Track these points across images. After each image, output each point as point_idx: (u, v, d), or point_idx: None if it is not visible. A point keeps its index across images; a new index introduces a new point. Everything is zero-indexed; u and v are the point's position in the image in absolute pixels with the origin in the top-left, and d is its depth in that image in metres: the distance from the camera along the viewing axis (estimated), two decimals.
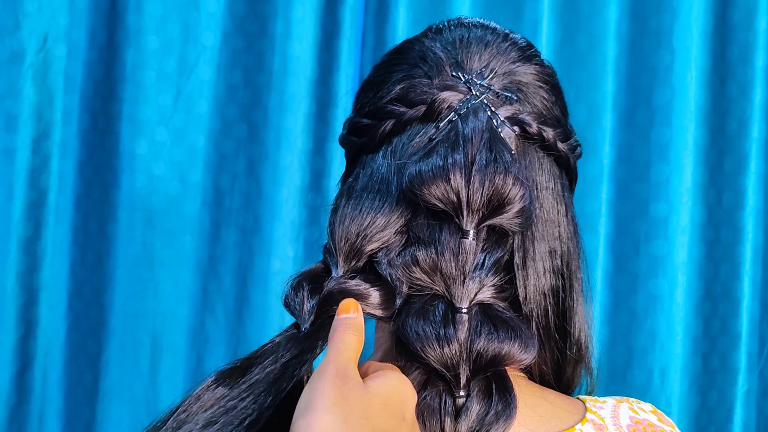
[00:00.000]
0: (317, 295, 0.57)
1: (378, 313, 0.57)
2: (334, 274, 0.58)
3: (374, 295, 0.57)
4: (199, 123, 1.21)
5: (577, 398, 0.63)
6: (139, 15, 1.18)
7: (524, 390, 0.59)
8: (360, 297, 0.57)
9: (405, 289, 0.57)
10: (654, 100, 1.15)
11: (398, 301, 0.57)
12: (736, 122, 1.15)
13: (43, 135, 1.19)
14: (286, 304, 0.59)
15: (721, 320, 1.14)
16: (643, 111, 1.16)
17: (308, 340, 0.56)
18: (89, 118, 1.21)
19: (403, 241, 0.58)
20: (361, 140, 0.64)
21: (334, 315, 0.56)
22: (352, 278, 0.58)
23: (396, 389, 0.51)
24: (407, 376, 0.54)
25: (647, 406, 0.63)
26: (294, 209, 1.19)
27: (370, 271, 0.59)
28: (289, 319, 1.20)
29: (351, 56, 1.19)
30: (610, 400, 0.62)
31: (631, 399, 0.63)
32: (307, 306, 0.57)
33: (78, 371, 1.22)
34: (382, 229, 0.58)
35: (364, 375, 0.52)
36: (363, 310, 0.57)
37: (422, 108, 0.60)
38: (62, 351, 1.22)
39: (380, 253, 0.58)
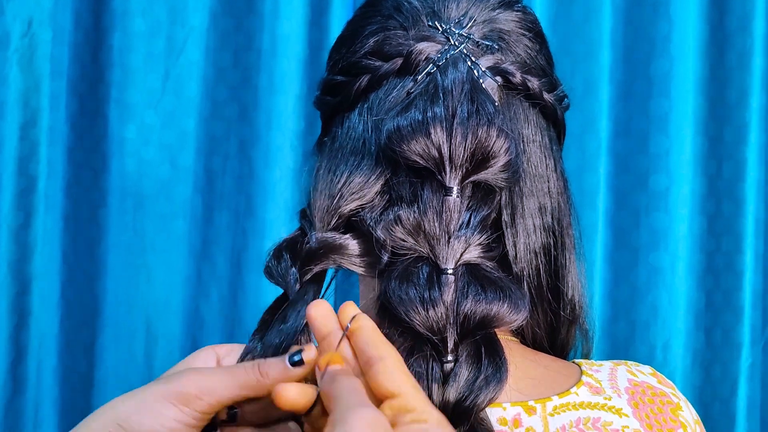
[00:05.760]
0: (298, 260, 0.55)
1: (358, 267, 0.55)
2: (310, 235, 0.56)
3: (352, 245, 0.55)
4: (189, 105, 1.19)
5: (573, 362, 0.61)
6: None
7: (516, 354, 0.57)
8: (338, 248, 0.55)
9: (389, 245, 0.54)
10: (652, 71, 1.13)
11: (384, 257, 0.54)
12: (735, 92, 1.12)
13: (31, 122, 1.17)
14: (269, 274, 0.57)
15: (723, 294, 1.11)
16: (641, 82, 1.14)
17: (296, 305, 0.54)
18: (77, 102, 1.19)
19: (384, 201, 0.56)
20: (335, 99, 0.61)
21: (318, 273, 0.54)
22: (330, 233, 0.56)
23: None
24: (393, 343, 0.53)
25: (646, 369, 0.61)
26: (287, 190, 1.16)
27: (350, 229, 0.57)
28: None
29: None
30: (607, 363, 0.60)
31: (629, 362, 0.61)
32: (291, 272, 0.55)
33: (72, 360, 1.20)
34: (360, 188, 0.56)
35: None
36: (341, 264, 0.55)
37: (398, 61, 0.57)
38: (56, 340, 1.19)
39: (361, 212, 0.56)
